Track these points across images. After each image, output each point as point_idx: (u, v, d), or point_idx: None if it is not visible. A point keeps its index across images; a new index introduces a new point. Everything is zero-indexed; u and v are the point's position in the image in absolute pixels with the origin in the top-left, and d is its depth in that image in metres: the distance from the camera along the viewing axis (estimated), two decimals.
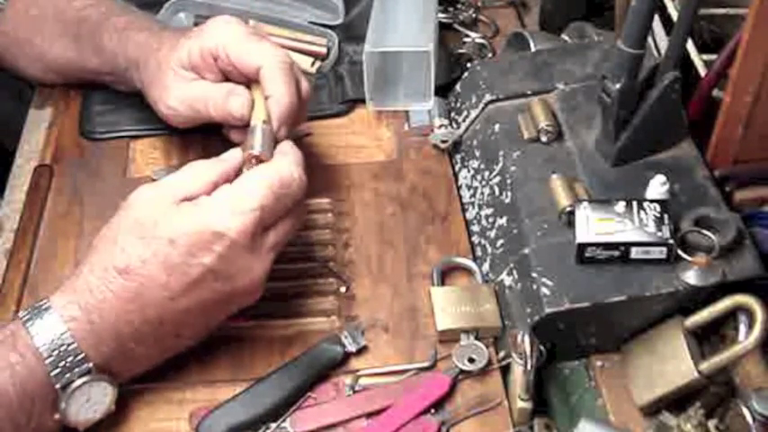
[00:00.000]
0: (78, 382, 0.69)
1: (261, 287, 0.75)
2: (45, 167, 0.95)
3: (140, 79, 0.90)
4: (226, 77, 0.86)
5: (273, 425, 0.74)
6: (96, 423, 0.73)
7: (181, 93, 0.86)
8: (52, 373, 0.68)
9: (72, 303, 0.70)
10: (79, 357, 0.69)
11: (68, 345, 0.69)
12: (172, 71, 0.86)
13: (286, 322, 0.82)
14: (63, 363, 0.69)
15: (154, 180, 0.89)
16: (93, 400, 0.71)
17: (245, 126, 0.83)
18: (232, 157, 0.77)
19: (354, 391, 0.76)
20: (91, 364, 0.69)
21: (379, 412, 0.75)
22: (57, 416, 0.70)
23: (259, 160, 0.77)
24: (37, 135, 1.00)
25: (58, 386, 0.69)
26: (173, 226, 0.71)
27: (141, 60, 0.89)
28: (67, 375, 0.69)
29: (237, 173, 0.76)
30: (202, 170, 0.75)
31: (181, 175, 0.75)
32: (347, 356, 0.79)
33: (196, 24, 1.08)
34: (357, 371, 0.78)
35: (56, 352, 0.69)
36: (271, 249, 0.74)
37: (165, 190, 0.73)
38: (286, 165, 0.76)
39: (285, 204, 0.74)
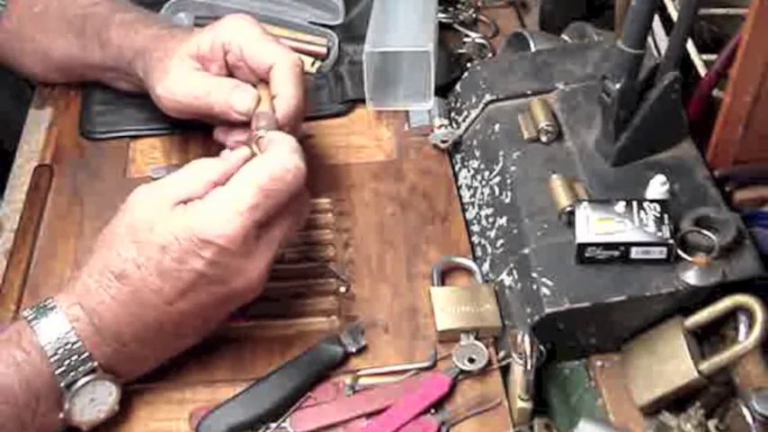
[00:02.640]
0: (83, 380, 0.69)
1: (261, 284, 0.73)
2: (45, 167, 0.95)
3: (144, 68, 0.90)
4: (230, 74, 0.86)
5: (273, 425, 0.74)
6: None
7: (182, 78, 0.85)
8: (57, 372, 0.68)
9: (74, 304, 0.70)
10: (84, 356, 0.69)
11: (73, 343, 0.69)
12: (178, 57, 0.86)
13: (286, 322, 0.81)
14: (68, 361, 0.69)
15: (154, 179, 0.89)
16: (98, 400, 0.71)
17: (236, 126, 0.83)
18: (234, 156, 0.75)
19: (354, 391, 0.76)
20: (95, 364, 0.70)
21: (379, 412, 0.75)
22: (61, 415, 0.70)
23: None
24: (37, 135, 0.99)
25: (62, 384, 0.69)
26: (164, 232, 0.70)
27: (149, 49, 0.89)
28: (72, 374, 0.69)
29: None
30: (202, 170, 0.73)
31: (180, 175, 0.73)
32: (347, 356, 0.79)
33: (196, 25, 1.08)
34: (357, 371, 0.78)
35: (60, 350, 0.69)
36: (269, 247, 0.72)
37: (163, 191, 0.72)
38: (279, 156, 0.73)
39: (281, 199, 0.72)
